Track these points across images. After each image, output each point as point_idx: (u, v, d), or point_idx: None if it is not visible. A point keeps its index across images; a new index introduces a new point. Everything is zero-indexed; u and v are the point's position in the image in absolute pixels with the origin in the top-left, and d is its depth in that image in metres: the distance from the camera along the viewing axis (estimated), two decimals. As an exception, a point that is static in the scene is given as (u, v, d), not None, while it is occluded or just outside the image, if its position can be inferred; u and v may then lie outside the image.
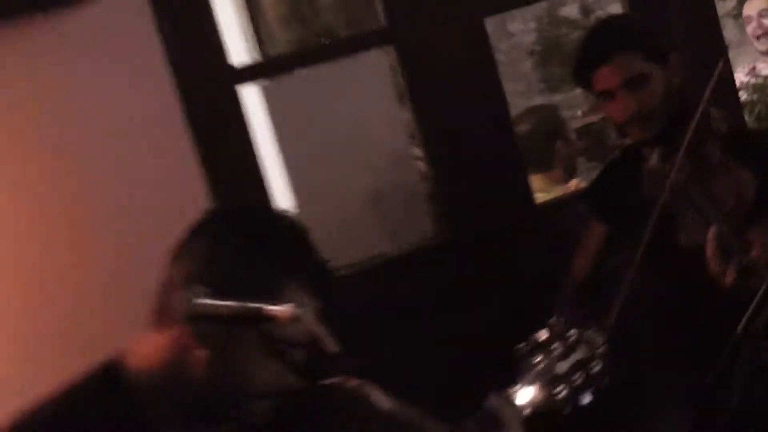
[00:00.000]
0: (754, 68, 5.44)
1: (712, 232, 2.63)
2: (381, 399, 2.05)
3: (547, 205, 3.84)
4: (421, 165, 3.68)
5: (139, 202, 3.09)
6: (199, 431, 2.02)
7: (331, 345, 1.81)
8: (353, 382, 2.01)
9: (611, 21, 3.29)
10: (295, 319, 1.84)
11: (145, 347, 2.01)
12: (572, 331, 2.09)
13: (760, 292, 2.48)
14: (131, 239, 2.94)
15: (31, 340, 2.98)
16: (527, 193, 3.67)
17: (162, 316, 1.98)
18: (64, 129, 3.11)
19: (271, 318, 1.85)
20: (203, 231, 2.06)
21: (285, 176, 3.51)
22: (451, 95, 3.51)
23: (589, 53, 2.96)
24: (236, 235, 2.05)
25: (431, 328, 3.39)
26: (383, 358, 2.48)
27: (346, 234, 3.57)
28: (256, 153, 3.34)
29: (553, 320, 2.12)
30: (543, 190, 4.12)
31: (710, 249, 2.63)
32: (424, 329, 3.38)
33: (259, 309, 1.85)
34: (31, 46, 3.08)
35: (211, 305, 1.92)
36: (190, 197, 3.10)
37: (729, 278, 2.62)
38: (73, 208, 3.10)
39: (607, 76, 2.87)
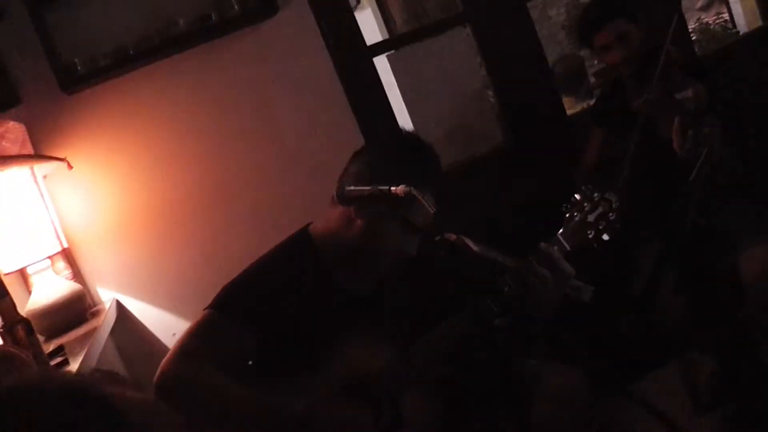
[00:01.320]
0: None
1: (677, 121, 2.64)
2: (473, 244, 2.05)
3: (574, 116, 3.76)
4: (493, 99, 3.64)
5: (318, 138, 3.17)
6: (356, 276, 2.11)
7: (432, 207, 1.87)
8: (453, 236, 1.99)
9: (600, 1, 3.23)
10: (407, 194, 1.86)
11: (326, 218, 2.12)
12: (596, 194, 2.11)
13: (704, 152, 2.52)
14: (314, 161, 3.01)
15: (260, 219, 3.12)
16: (561, 109, 3.63)
17: (336, 200, 2.06)
18: (269, 99, 3.18)
19: (393, 194, 1.90)
20: (357, 156, 2.13)
21: (407, 109, 3.51)
22: (507, 54, 3.46)
23: (590, 23, 2.97)
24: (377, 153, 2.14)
25: (503, 198, 3.39)
26: (471, 221, 2.49)
27: (449, 144, 3.58)
28: (387, 98, 3.35)
29: (583, 187, 2.14)
30: (571, 107, 4.05)
31: (675, 130, 2.66)
32: (498, 199, 3.37)
33: (387, 189, 1.91)
34: (243, 50, 3.13)
35: (356, 189, 1.97)
36: (349, 134, 3.16)
37: (686, 147, 2.63)
38: (277, 145, 3.18)
39: (604, 37, 2.90)
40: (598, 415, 2.24)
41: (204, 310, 2.02)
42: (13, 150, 2.73)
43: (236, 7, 3.03)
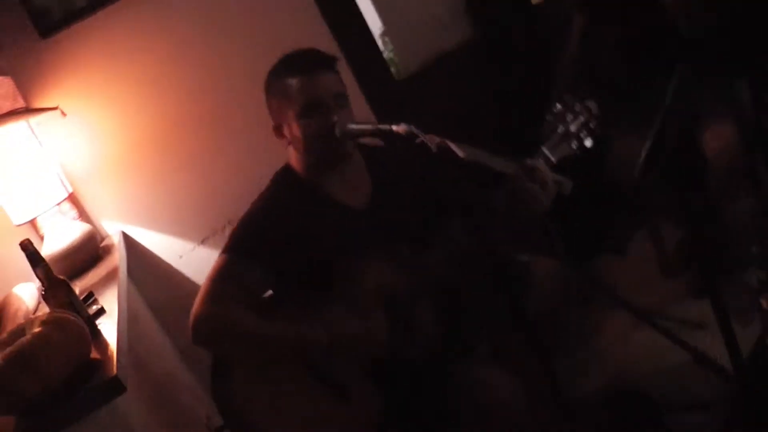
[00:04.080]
0: None
1: None
2: (458, 149, 2.02)
3: (541, 5, 3.71)
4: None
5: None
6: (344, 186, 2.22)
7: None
8: (435, 138, 1.95)
9: None
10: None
11: (288, 154, 2.25)
12: (577, 103, 2.07)
13: None
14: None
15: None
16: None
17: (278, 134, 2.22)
18: (244, 23, 3.20)
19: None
20: None
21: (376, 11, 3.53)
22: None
23: None
24: None
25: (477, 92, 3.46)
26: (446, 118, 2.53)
27: (420, 41, 3.60)
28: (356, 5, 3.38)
29: (565, 97, 2.09)
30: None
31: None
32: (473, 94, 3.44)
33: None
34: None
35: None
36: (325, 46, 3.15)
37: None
38: (260, 65, 3.04)
39: None
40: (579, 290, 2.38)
41: (219, 255, 2.13)
42: (6, 105, 2.77)
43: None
